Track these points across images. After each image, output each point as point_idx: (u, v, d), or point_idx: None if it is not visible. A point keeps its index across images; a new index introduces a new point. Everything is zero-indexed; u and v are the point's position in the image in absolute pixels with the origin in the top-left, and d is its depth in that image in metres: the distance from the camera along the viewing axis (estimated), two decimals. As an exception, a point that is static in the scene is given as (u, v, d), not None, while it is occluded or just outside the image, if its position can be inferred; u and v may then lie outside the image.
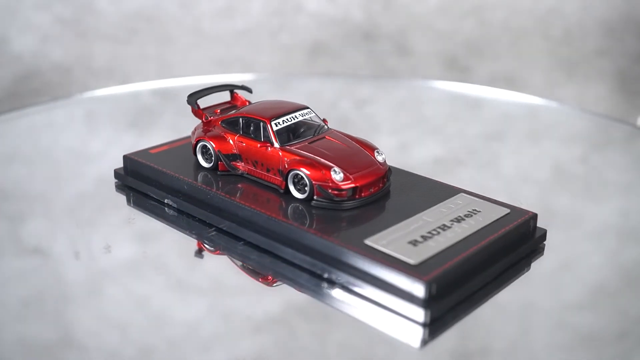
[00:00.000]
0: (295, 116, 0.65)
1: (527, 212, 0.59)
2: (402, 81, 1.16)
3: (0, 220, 0.67)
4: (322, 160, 0.60)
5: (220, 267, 0.59)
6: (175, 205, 0.65)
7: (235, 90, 0.73)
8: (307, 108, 0.66)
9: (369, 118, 0.94)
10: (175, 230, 0.64)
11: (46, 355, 0.50)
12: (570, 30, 1.38)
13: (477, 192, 0.62)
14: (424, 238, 0.55)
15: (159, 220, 0.65)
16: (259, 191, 0.63)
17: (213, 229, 0.62)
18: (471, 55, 1.39)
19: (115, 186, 0.71)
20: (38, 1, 1.30)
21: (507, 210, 0.58)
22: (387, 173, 0.62)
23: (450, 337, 0.51)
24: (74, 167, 0.78)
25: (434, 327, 0.50)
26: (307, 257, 0.56)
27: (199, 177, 0.65)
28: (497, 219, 0.57)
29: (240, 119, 0.65)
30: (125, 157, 0.70)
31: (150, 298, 0.56)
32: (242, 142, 0.64)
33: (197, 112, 0.69)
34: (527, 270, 0.58)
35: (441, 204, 0.60)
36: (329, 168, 0.60)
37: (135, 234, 0.64)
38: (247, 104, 0.71)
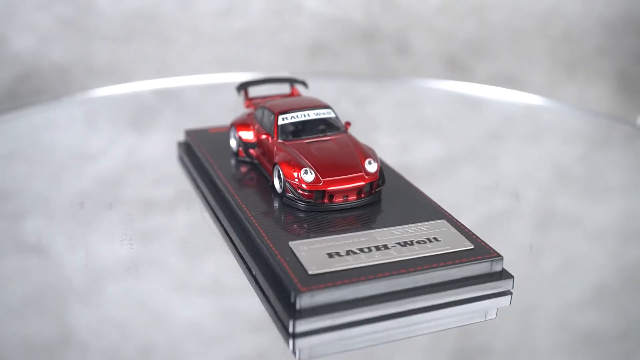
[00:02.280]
0: (306, 114, 0.64)
1: (492, 252, 0.53)
2: (402, 81, 1.16)
3: (1, 220, 0.67)
4: (301, 159, 0.60)
5: (221, 265, 0.59)
6: (196, 181, 0.69)
7: (294, 84, 0.74)
8: (328, 108, 0.65)
9: (369, 118, 0.94)
10: (175, 228, 0.64)
11: (46, 354, 0.50)
12: (570, 29, 1.38)
13: (478, 191, 0.62)
14: (348, 253, 0.52)
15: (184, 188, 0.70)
16: (260, 180, 0.64)
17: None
18: (471, 55, 1.39)
19: (177, 157, 0.76)
20: (38, 1, 1.30)
21: (471, 246, 0.54)
22: (374, 183, 0.60)
23: (308, 354, 0.49)
24: (74, 167, 0.78)
25: (302, 340, 0.48)
26: (243, 246, 0.56)
27: (221, 160, 0.68)
28: (449, 252, 0.53)
29: (263, 110, 0.66)
30: (186, 132, 0.75)
31: (151, 297, 0.56)
32: (258, 132, 0.66)
33: (245, 100, 0.72)
34: (479, 316, 0.53)
35: (409, 225, 0.56)
36: (301, 167, 0.59)
37: (136, 232, 0.64)
38: (294, 96, 0.73)
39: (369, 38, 1.38)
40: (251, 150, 0.67)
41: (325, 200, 0.59)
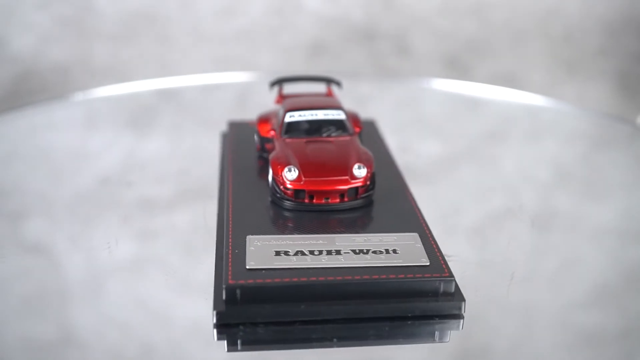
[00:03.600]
0: (315, 114, 0.64)
1: (445, 271, 0.51)
2: (403, 80, 1.16)
3: (1, 219, 0.67)
4: (291, 157, 0.60)
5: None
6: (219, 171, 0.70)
7: (330, 84, 0.73)
8: (339, 109, 0.65)
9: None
10: (176, 228, 0.64)
11: (47, 353, 0.50)
12: (570, 29, 1.38)
13: (480, 194, 0.62)
14: (297, 253, 0.52)
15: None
16: (264, 174, 0.64)
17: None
18: (471, 55, 1.39)
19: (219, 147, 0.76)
20: (38, 1, 1.30)
21: (427, 263, 0.51)
22: (361, 187, 0.59)
23: (215, 346, 0.49)
24: (74, 167, 0.78)
25: (225, 331, 0.49)
26: (215, 234, 0.57)
27: (243, 153, 0.68)
28: (399, 266, 0.51)
29: (282, 107, 0.66)
30: (229, 123, 0.77)
31: (152, 296, 0.55)
32: (272, 128, 0.66)
33: (277, 95, 0.72)
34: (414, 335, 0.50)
35: (378, 234, 0.55)
36: (286, 165, 0.59)
37: (137, 232, 0.64)
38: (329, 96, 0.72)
39: (369, 38, 1.38)
40: (267, 145, 0.67)
41: (306, 200, 0.58)
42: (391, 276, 0.50)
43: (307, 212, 0.58)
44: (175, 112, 0.94)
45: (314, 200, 0.58)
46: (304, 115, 0.64)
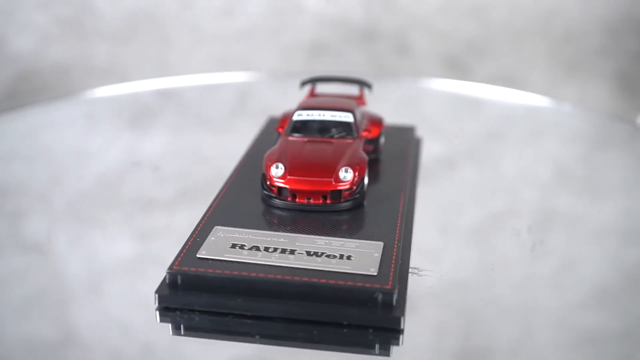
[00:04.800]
0: (322, 114, 0.64)
1: (387, 283, 0.49)
2: (403, 80, 1.16)
3: (1, 219, 0.67)
4: (282, 155, 0.60)
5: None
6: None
7: (363, 88, 0.73)
8: (348, 112, 0.64)
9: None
10: (176, 227, 0.64)
11: (48, 353, 0.50)
12: (570, 30, 1.38)
13: (479, 193, 0.61)
14: (252, 248, 0.52)
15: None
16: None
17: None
18: (471, 55, 1.39)
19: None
20: (38, 1, 1.30)
21: (374, 273, 0.50)
22: (346, 191, 0.58)
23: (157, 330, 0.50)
24: (74, 166, 0.78)
25: (165, 315, 0.50)
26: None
27: (262, 147, 0.68)
28: (344, 272, 0.50)
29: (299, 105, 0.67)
30: (268, 118, 0.78)
31: (153, 295, 0.55)
32: None
33: (308, 95, 0.73)
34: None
35: (343, 239, 0.54)
36: (274, 162, 0.59)
37: (137, 231, 0.64)
38: (360, 99, 0.72)
39: (369, 38, 1.38)
40: None
41: (289, 199, 0.58)
42: (330, 281, 0.49)
43: (288, 210, 0.58)
44: (176, 112, 0.94)
45: (297, 200, 0.58)
46: (312, 115, 0.64)
